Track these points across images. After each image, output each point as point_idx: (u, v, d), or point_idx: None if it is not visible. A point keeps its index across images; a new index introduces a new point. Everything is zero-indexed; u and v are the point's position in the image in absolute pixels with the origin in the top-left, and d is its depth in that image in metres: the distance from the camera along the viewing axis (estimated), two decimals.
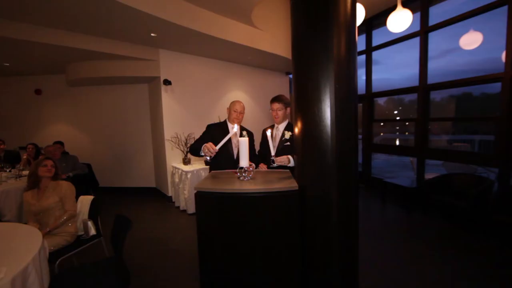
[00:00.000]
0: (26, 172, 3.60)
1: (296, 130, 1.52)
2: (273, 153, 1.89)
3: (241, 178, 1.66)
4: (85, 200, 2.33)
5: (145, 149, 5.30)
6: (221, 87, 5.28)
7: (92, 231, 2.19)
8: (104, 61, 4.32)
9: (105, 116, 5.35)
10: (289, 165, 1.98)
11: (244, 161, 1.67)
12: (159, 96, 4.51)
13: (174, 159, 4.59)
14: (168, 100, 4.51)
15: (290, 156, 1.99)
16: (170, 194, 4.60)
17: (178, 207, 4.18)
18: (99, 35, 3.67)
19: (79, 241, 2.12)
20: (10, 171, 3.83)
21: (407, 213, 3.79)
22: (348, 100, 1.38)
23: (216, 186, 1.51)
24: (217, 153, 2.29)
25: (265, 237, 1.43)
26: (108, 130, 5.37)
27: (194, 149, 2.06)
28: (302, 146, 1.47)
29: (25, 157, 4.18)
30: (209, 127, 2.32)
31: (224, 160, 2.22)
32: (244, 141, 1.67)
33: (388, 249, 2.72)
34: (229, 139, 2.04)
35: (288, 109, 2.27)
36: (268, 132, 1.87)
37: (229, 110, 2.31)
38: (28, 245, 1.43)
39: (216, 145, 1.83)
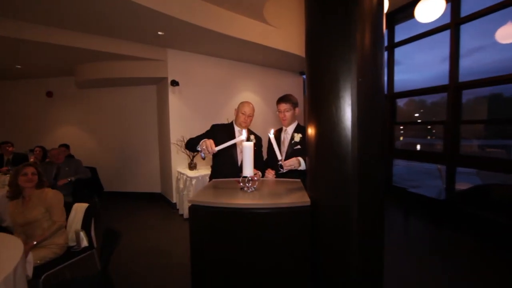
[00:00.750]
0: None
1: (309, 132, 1.29)
2: (280, 157, 1.69)
3: (244, 189, 1.44)
4: (80, 208, 2.20)
5: (152, 153, 5.22)
6: (231, 88, 5.12)
7: (84, 243, 2.05)
8: (112, 61, 4.29)
9: (113, 119, 5.34)
10: (300, 168, 1.75)
11: (248, 169, 1.45)
12: (166, 97, 4.42)
13: (179, 164, 4.46)
14: (175, 102, 4.40)
15: (300, 158, 1.77)
16: (174, 200, 4.46)
17: (182, 215, 4.02)
18: (106, 34, 3.62)
19: (69, 253, 1.98)
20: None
21: (436, 228, 3.40)
22: (373, 98, 1.14)
23: (213, 199, 1.30)
24: (219, 158, 2.10)
25: (271, 259, 1.20)
26: (115, 133, 5.35)
27: (191, 144, 1.87)
28: (316, 152, 1.24)
29: (32, 159, 4.20)
30: (214, 127, 2.13)
31: (227, 167, 2.02)
32: (249, 146, 1.45)
33: (414, 270, 2.38)
34: (234, 144, 1.84)
35: (297, 109, 2.04)
36: (271, 134, 1.65)
37: (237, 112, 2.12)
38: (3, 262, 1.28)
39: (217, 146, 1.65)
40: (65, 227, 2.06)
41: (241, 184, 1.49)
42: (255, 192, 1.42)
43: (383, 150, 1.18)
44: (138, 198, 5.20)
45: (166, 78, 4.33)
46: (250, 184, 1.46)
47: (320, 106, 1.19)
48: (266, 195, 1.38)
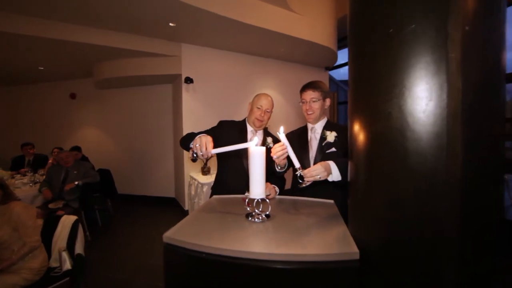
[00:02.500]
0: (43, 177, 3.49)
1: (355, 132, 0.78)
2: (297, 164, 1.13)
3: (249, 218, 0.98)
4: (67, 222, 1.89)
5: (167, 156, 4.98)
6: (249, 85, 4.69)
7: (67, 265, 1.72)
8: (127, 59, 4.11)
9: (129, 120, 5.21)
10: (331, 178, 1.18)
11: (257, 188, 0.98)
12: (180, 96, 4.12)
13: (193, 168, 4.12)
14: (189, 100, 4.09)
15: (330, 162, 1.19)
16: (186, 207, 4.12)
17: None
18: (119, 29, 3.43)
19: (47, 278, 1.66)
20: (33, 174, 3.78)
21: None
22: (492, 70, 0.60)
23: (200, 238, 0.85)
24: (225, 165, 1.65)
25: None
26: (131, 135, 5.20)
27: (185, 139, 1.35)
28: (368, 165, 0.73)
29: (50, 161, 4.14)
30: (221, 124, 1.67)
31: (234, 178, 1.56)
32: (258, 153, 0.98)
33: None
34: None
35: (328, 101, 1.50)
36: (281, 133, 1.08)
37: (251, 106, 1.64)
38: None
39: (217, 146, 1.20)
40: (40, 247, 1.73)
41: (248, 207, 1.03)
42: (267, 223, 0.94)
43: (502, 162, 0.64)
44: (151, 202, 4.98)
45: (180, 76, 4.04)
46: (260, 210, 0.98)
47: (380, 85, 0.68)
48: (283, 230, 0.89)
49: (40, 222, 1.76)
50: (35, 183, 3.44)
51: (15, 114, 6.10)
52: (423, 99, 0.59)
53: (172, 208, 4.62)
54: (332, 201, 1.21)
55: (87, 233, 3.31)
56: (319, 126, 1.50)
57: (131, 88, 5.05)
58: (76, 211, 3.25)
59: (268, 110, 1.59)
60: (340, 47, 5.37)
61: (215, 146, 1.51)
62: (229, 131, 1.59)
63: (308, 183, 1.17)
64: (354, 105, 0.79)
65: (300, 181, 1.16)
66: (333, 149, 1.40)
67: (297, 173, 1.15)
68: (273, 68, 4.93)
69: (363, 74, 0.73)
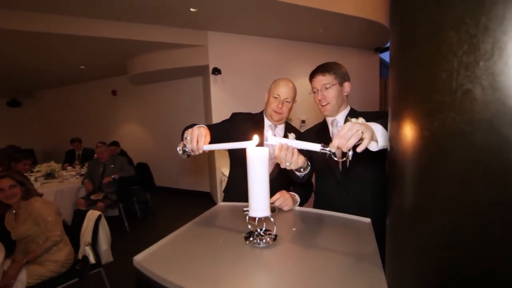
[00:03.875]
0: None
1: (399, 129, 0.49)
2: (318, 146, 0.80)
3: (250, 239, 0.77)
4: (92, 216, 1.96)
5: None
6: (282, 73, 4.33)
7: (91, 259, 1.78)
8: (154, 52, 4.21)
9: (164, 115, 5.42)
10: (373, 147, 0.77)
11: (259, 203, 0.77)
12: (208, 88, 4.07)
13: (224, 164, 4.06)
14: (217, 93, 4.00)
15: (376, 124, 0.78)
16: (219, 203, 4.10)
17: None
18: (140, 21, 3.46)
19: (73, 271, 1.74)
20: (81, 167, 4.22)
21: None
22: None
23: (169, 272, 0.67)
24: (236, 165, 1.46)
25: None
26: (167, 130, 5.42)
27: (184, 131, 1.15)
28: (420, 184, 0.44)
29: (96, 155, 4.57)
30: (234, 117, 1.46)
31: (245, 181, 1.35)
32: (259, 157, 0.76)
33: None
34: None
35: (347, 85, 1.18)
36: (270, 137, 0.83)
37: (268, 94, 1.40)
38: None
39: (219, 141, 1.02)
40: (63, 241, 1.80)
41: (249, 226, 0.82)
42: (272, 250, 0.73)
43: None
44: (187, 196, 5.15)
45: (207, 67, 3.97)
46: (263, 231, 0.77)
47: (448, 41, 0.38)
48: (291, 264, 0.66)
49: (61, 218, 1.84)
50: (81, 175, 3.80)
51: (66, 112, 6.97)
52: None
53: (206, 203, 4.69)
54: (368, 220, 0.93)
55: (126, 224, 3.53)
56: (341, 117, 1.19)
57: (164, 82, 5.22)
58: (114, 203, 3.49)
59: (288, 100, 1.33)
60: None
61: (227, 141, 1.34)
62: (242, 124, 1.38)
63: (350, 154, 0.74)
64: (398, 84, 0.50)
65: (336, 159, 0.81)
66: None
67: (326, 151, 0.77)
68: (309, 53, 4.51)
69: (419, 29, 0.44)
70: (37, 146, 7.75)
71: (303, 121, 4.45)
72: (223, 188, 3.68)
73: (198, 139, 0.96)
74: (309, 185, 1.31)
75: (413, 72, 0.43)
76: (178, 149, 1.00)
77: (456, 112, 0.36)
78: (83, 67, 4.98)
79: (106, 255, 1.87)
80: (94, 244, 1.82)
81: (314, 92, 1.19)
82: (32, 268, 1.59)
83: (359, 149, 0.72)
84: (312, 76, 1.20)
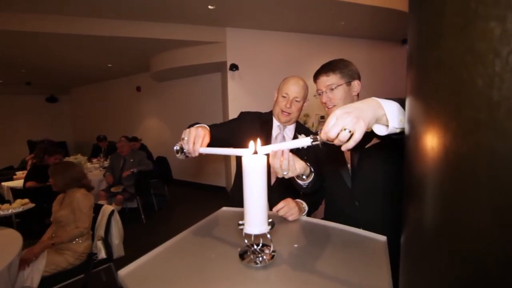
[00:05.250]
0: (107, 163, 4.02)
1: (418, 141, 0.39)
2: (308, 140, 0.66)
3: (244, 257, 0.70)
4: (106, 210, 2.01)
5: None
6: (302, 69, 4.16)
7: (102, 254, 1.83)
8: (174, 50, 4.25)
9: (184, 110, 5.51)
10: (379, 130, 0.64)
11: (256, 218, 0.69)
12: (226, 84, 4.03)
13: None
14: (234, 89, 3.95)
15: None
16: None
17: None
18: (161, 20, 3.53)
19: (87, 264, 1.80)
20: (105, 160, 4.42)
21: None
22: None
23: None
24: (240, 168, 1.39)
25: None
26: (185, 124, 5.22)
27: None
28: (442, 204, 0.34)
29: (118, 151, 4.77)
30: (242, 116, 1.39)
31: None
32: (256, 168, 0.68)
33: None
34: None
35: (356, 84, 1.05)
36: (258, 145, 0.72)
37: (277, 93, 1.31)
38: None
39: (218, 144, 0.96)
40: (92, 235, 1.90)
41: (245, 241, 0.75)
42: (269, 271, 0.65)
43: None
44: (204, 190, 5.22)
45: (225, 63, 3.92)
46: (259, 251, 0.70)
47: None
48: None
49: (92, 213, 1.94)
50: (104, 168, 3.98)
51: (95, 107, 7.38)
52: None
53: (222, 197, 4.72)
54: (384, 238, 0.81)
55: (142, 216, 3.64)
56: None
57: (184, 79, 5.28)
58: (132, 196, 3.61)
59: (297, 99, 1.22)
60: None
61: (232, 142, 1.27)
62: (249, 125, 1.31)
63: (344, 137, 0.57)
64: (416, 90, 0.39)
65: (319, 145, 0.65)
66: (376, 141, 0.95)
67: (318, 143, 0.64)
68: (331, 47, 4.27)
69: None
70: (70, 139, 8.32)
71: (322, 117, 4.26)
72: None
73: (195, 141, 0.89)
74: (319, 191, 1.20)
75: (436, 76, 0.32)
76: (174, 148, 0.94)
77: (498, 133, 0.25)
78: (110, 65, 5.19)
79: (118, 250, 1.92)
80: (106, 238, 1.87)
81: (319, 93, 1.08)
82: (51, 255, 1.67)
83: (344, 148, 0.59)
84: (315, 77, 1.09)
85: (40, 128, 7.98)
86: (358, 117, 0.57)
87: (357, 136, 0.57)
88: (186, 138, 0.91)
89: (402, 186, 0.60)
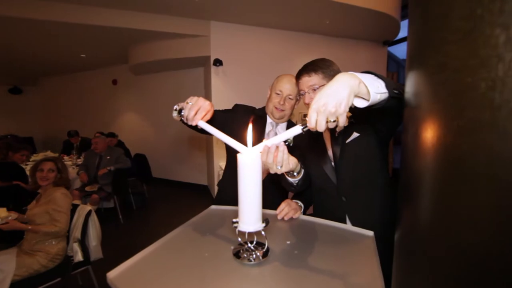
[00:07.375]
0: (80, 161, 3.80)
1: (414, 127, 0.41)
2: (298, 129, 0.71)
3: (239, 255, 0.70)
4: (82, 211, 1.91)
5: (201, 143, 4.99)
6: (288, 67, 4.18)
7: (79, 256, 1.74)
8: (156, 42, 4.10)
9: (165, 105, 5.32)
10: (360, 102, 0.65)
11: (250, 216, 0.69)
12: (209, 80, 3.97)
13: (222, 157, 3.99)
14: (218, 85, 3.90)
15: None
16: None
17: None
18: (144, 10, 3.39)
19: (59, 269, 1.69)
20: (78, 157, 4.17)
21: None
22: None
23: None
24: (232, 160, 1.38)
25: None
26: (166, 121, 5.34)
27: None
28: (441, 195, 0.36)
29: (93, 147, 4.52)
30: (236, 108, 1.39)
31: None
32: (251, 164, 0.68)
33: None
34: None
35: None
36: (249, 146, 0.74)
37: (270, 90, 1.33)
38: None
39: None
40: (63, 236, 1.79)
41: (239, 238, 0.74)
42: (262, 268, 0.66)
43: None
44: (185, 188, 5.13)
45: (209, 58, 3.85)
46: (252, 249, 0.70)
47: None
48: (283, 283, 0.59)
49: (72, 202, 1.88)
50: (77, 165, 3.76)
51: (67, 100, 6.92)
52: None
53: (204, 196, 4.66)
54: (371, 233, 0.85)
55: (120, 216, 3.51)
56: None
57: (165, 72, 5.12)
58: (109, 195, 3.45)
59: (290, 97, 1.25)
60: (404, 16, 4.44)
61: (226, 132, 1.25)
62: (243, 118, 1.30)
63: (332, 125, 0.60)
64: (416, 90, 0.41)
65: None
66: (356, 135, 0.99)
67: (306, 128, 0.66)
68: (315, 45, 4.36)
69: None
70: (37, 134, 7.74)
71: (305, 115, 4.34)
72: None
73: (199, 111, 0.85)
74: (307, 190, 1.23)
75: (439, 78, 0.34)
76: (174, 107, 0.90)
77: (499, 135, 0.27)
78: (84, 55, 4.89)
79: (96, 252, 1.83)
80: (83, 240, 1.78)
81: (301, 95, 1.10)
82: (21, 258, 1.56)
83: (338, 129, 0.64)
84: (297, 77, 1.10)
85: (2, 122, 7.36)
86: (336, 103, 0.58)
87: (342, 121, 0.59)
88: (190, 104, 0.87)
89: (387, 179, 0.62)
